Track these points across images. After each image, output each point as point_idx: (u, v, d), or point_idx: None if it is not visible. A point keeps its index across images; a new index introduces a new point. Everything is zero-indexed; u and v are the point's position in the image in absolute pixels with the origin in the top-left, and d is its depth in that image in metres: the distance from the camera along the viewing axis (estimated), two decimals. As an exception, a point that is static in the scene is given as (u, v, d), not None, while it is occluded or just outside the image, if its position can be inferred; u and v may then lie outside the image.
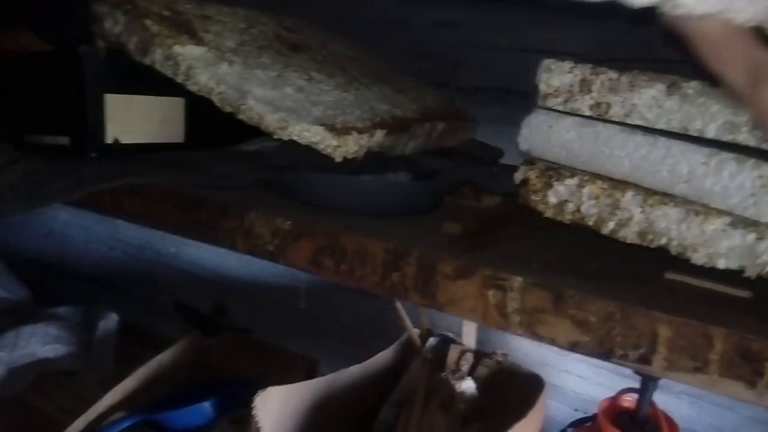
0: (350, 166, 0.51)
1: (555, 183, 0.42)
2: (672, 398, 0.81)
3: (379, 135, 0.50)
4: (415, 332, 0.84)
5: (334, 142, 0.45)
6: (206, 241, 0.50)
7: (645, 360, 0.37)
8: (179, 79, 0.49)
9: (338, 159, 0.46)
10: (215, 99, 0.47)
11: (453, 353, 0.79)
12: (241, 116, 0.46)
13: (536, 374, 0.77)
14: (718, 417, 0.81)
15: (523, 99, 0.83)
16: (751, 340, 0.34)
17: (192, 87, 0.48)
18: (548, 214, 0.42)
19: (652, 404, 0.67)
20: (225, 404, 0.81)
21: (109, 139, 0.54)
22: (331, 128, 0.46)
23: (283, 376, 0.80)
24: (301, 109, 0.48)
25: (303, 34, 0.67)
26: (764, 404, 0.34)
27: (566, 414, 0.91)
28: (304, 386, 0.66)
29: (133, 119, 0.55)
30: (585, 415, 0.82)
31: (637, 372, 0.37)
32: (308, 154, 0.48)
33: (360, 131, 0.47)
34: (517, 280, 0.40)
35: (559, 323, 0.39)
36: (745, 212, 0.37)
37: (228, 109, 0.46)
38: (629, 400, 0.70)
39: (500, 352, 0.81)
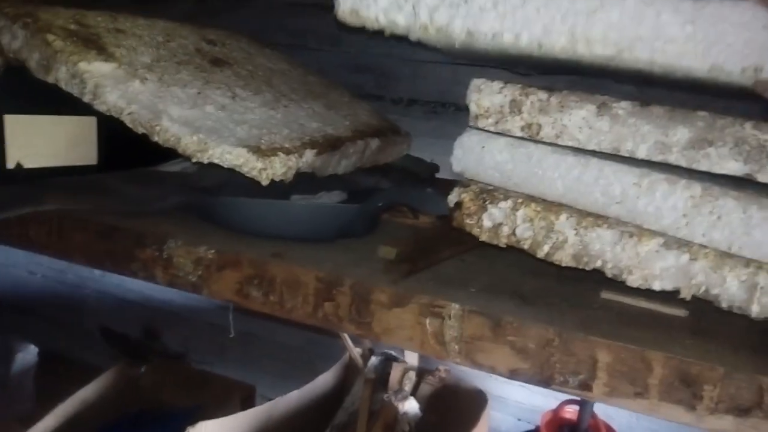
0: (280, 187, 0.48)
1: (489, 206, 0.40)
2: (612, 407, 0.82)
3: (309, 155, 0.47)
4: (356, 352, 0.82)
5: (259, 165, 0.42)
6: (121, 272, 0.46)
7: (585, 386, 0.36)
8: (86, 99, 0.45)
9: (265, 182, 0.43)
10: (126, 120, 0.43)
11: (396, 372, 0.77)
12: (155, 138, 0.42)
13: (479, 389, 0.77)
14: (655, 422, 0.83)
15: (458, 111, 0.83)
16: (690, 364, 0.34)
17: (100, 107, 0.44)
18: (483, 238, 0.41)
19: (593, 415, 0.67)
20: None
21: (10, 164, 0.49)
22: (256, 150, 0.43)
23: (218, 406, 0.76)
24: (223, 130, 0.45)
25: (227, 48, 0.63)
26: (704, 427, 0.34)
27: (510, 424, 0.90)
28: (239, 418, 0.63)
29: (37, 141, 0.50)
30: (528, 428, 0.82)
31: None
32: (235, 174, 0.45)
33: (288, 152, 0.45)
34: (455, 308, 0.38)
35: (499, 351, 0.37)
36: (678, 233, 0.37)
37: (141, 130, 0.43)
38: (571, 412, 0.70)
39: (443, 369, 0.80)
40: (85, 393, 0.83)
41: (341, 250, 0.46)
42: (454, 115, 0.84)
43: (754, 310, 0.36)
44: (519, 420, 0.90)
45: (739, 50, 0.32)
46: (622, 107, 0.38)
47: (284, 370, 1.04)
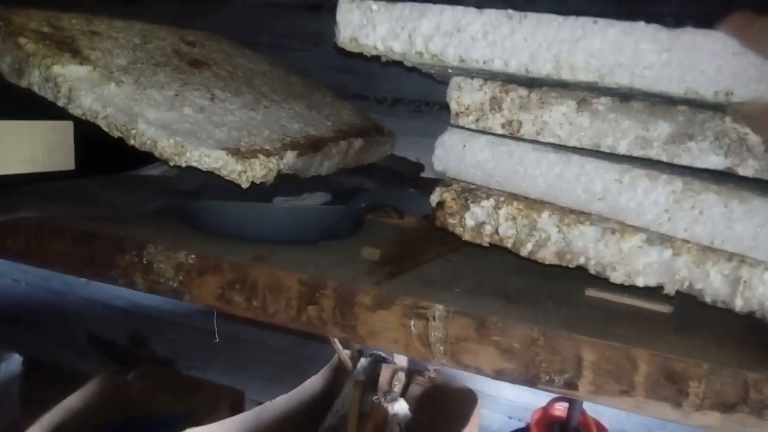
0: (263, 190, 0.48)
1: (471, 205, 0.40)
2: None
3: (290, 157, 0.47)
4: (346, 354, 0.81)
5: (239, 167, 0.41)
6: (101, 279, 0.45)
7: (571, 385, 0.35)
8: (61, 103, 0.44)
9: (245, 185, 0.42)
10: (101, 123, 0.42)
11: (385, 373, 0.77)
12: (131, 142, 0.42)
13: (468, 389, 0.76)
14: (646, 417, 0.83)
15: (443, 110, 0.82)
16: (675, 360, 0.33)
17: (75, 111, 0.43)
18: (467, 237, 0.41)
19: (583, 412, 0.67)
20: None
21: (-15, 171, 0.48)
22: (235, 152, 0.42)
23: (207, 412, 0.75)
24: (201, 132, 0.44)
25: (206, 48, 0.62)
26: (690, 423, 0.34)
27: (501, 422, 0.90)
28: (227, 424, 0.62)
29: (13, 147, 0.49)
30: (519, 425, 0.82)
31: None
32: (215, 178, 0.44)
33: (268, 154, 0.44)
34: (439, 309, 0.38)
35: (484, 351, 0.37)
36: (660, 228, 0.36)
37: (117, 134, 0.42)
38: (560, 409, 0.69)
39: (432, 369, 0.79)
40: (72, 401, 0.82)
41: (325, 252, 0.46)
42: (439, 113, 0.83)
43: (738, 304, 0.36)
44: (510, 418, 0.90)
45: (711, 76, 0.34)
46: (602, 103, 0.38)
47: (274, 374, 1.03)
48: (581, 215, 0.38)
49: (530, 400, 0.84)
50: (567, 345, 0.35)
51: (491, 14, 0.38)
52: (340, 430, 0.73)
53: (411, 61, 0.42)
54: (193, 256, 0.43)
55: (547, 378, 0.36)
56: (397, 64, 0.45)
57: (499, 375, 0.37)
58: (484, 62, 0.38)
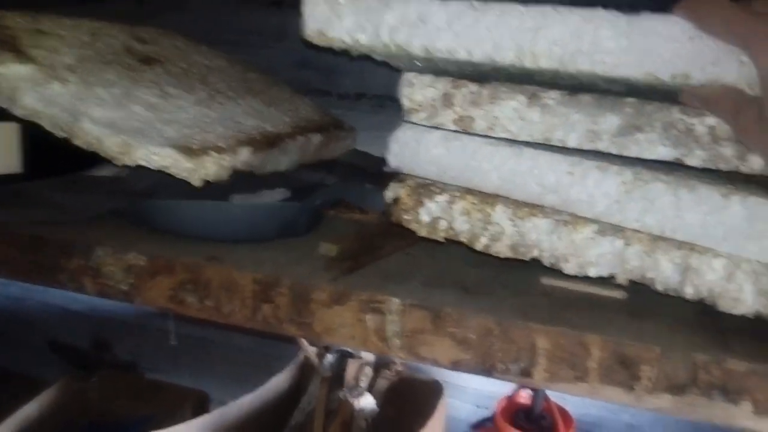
0: (220, 188, 0.47)
1: (426, 201, 0.40)
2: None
3: (245, 153, 0.46)
4: (312, 350, 0.81)
5: (189, 165, 0.40)
6: (48, 284, 0.44)
7: (526, 373, 0.36)
8: (3, 104, 0.42)
9: (197, 183, 0.41)
10: (45, 123, 0.41)
11: (351, 368, 0.77)
12: (76, 141, 0.40)
13: (435, 380, 0.77)
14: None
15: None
16: (627, 345, 0.34)
17: (18, 111, 0.42)
18: (422, 233, 0.40)
19: (547, 398, 0.68)
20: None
21: (-75, 176, 0.46)
22: (185, 150, 0.41)
23: (170, 415, 0.74)
24: (150, 130, 0.43)
25: (159, 45, 0.61)
26: (643, 406, 0.34)
27: (469, 411, 0.91)
28: (189, 426, 0.61)
29: (-46, 150, 0.47)
30: (487, 414, 0.83)
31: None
32: (169, 177, 0.43)
33: (220, 151, 0.43)
34: (395, 302, 0.38)
35: (440, 343, 0.37)
36: (611, 219, 0.37)
37: (61, 133, 0.41)
38: (525, 397, 0.70)
39: (399, 362, 0.79)
40: (31, 408, 0.80)
41: (282, 250, 0.45)
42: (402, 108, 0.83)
43: (688, 292, 0.37)
44: (478, 407, 0.91)
45: (669, 60, 0.34)
46: (551, 97, 0.38)
47: (241, 375, 1.02)
48: (534, 208, 0.39)
49: (497, 389, 0.85)
50: (521, 334, 0.35)
51: (455, 5, 0.38)
52: (307, 427, 0.72)
53: (378, 54, 0.42)
54: (143, 257, 0.42)
55: (503, 367, 0.36)
56: (361, 59, 0.44)
57: (455, 366, 0.37)
58: (449, 52, 0.38)
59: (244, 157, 0.46)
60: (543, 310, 0.37)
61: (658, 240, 0.37)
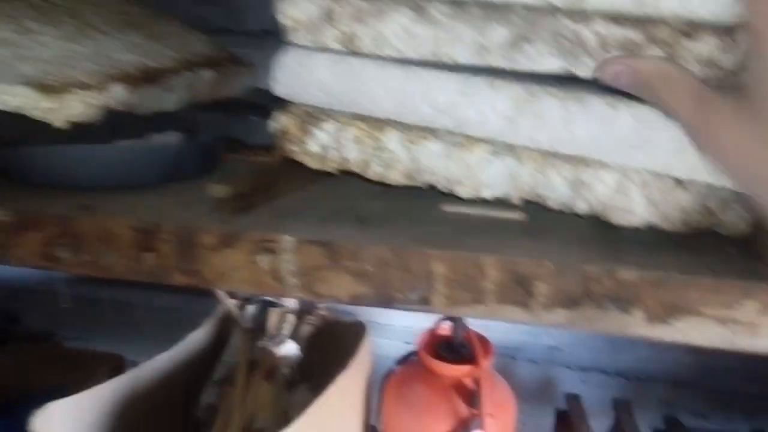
0: (104, 132, 0.43)
1: (314, 129, 0.37)
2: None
3: (118, 90, 0.42)
4: (232, 302, 0.78)
5: (47, 104, 0.36)
6: None
7: (425, 301, 0.35)
8: None
9: (59, 124, 0.37)
10: None
11: (273, 318, 0.75)
12: None
13: (359, 321, 0.76)
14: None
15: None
16: (520, 263, 0.34)
17: None
18: (313, 165, 0.38)
19: (465, 328, 0.69)
20: (16, 427, 0.69)
21: None
22: (42, 87, 0.37)
23: (84, 382, 0.70)
24: (3, 69, 0.38)
25: (19, -22, 0.54)
26: (540, 323, 0.34)
27: (398, 348, 0.92)
28: (97, 391, 0.58)
29: None
30: (410, 350, 0.84)
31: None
32: (41, 123, 0.39)
33: (86, 87, 0.39)
34: (289, 240, 0.36)
35: (337, 278, 0.36)
36: (504, 137, 0.36)
37: None
38: (446, 329, 0.71)
39: (323, 306, 0.78)
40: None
41: (168, 195, 0.42)
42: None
43: (581, 207, 0.36)
44: (407, 343, 0.92)
45: None
46: (440, 10, 0.36)
47: (165, 335, 0.98)
48: (427, 131, 0.37)
49: (426, 324, 0.86)
50: (418, 261, 0.34)
51: None
52: (231, 380, 0.71)
53: None
54: (8, 212, 0.37)
55: (402, 297, 0.35)
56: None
57: (355, 300, 0.36)
58: None
59: (117, 94, 0.42)
60: (441, 237, 0.36)
61: (549, 156, 0.36)
